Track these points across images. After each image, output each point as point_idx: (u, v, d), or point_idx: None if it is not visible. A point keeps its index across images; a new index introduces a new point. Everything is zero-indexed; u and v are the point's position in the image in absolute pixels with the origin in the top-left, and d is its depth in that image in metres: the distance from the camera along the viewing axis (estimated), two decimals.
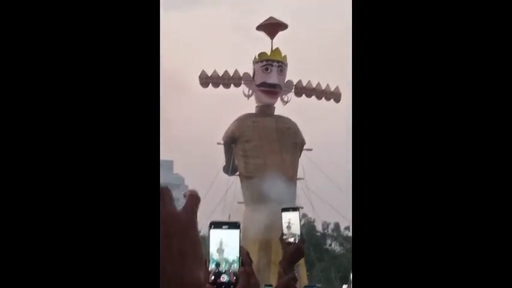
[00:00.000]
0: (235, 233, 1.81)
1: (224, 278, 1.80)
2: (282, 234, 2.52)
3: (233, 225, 1.82)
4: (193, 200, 1.39)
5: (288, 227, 2.53)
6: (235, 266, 1.80)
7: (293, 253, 2.50)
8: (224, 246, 1.81)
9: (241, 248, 1.81)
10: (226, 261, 1.81)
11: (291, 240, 2.52)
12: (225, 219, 20.00)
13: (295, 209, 2.57)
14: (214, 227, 1.82)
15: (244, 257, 1.81)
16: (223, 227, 1.83)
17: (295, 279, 2.55)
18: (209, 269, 1.80)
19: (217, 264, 1.81)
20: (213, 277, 1.80)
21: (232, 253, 1.81)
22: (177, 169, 67.37)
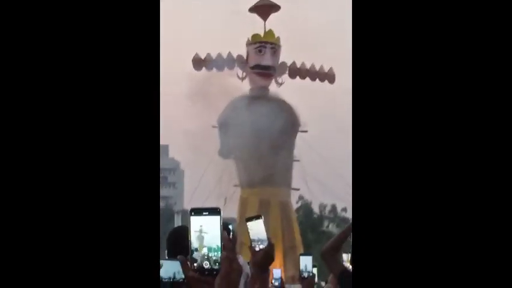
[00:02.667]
0: (216, 219, 1.81)
1: (207, 265, 1.80)
2: (250, 243, 2.60)
3: (213, 211, 1.81)
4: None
5: (255, 235, 2.62)
6: (217, 254, 1.80)
7: (262, 258, 2.59)
8: (204, 233, 1.81)
9: (221, 234, 1.81)
10: (209, 248, 1.81)
11: (260, 246, 2.61)
12: (221, 202, 20.06)
13: (258, 217, 2.66)
14: (195, 214, 1.81)
15: (226, 242, 1.81)
16: (204, 213, 1.82)
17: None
18: (192, 256, 1.80)
19: (196, 250, 1.81)
20: (195, 264, 1.80)
21: (214, 239, 1.81)
22: (172, 153, 67.66)
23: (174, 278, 2.77)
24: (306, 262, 4.32)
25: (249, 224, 2.64)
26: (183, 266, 1.94)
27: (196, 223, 1.82)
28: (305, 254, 4.61)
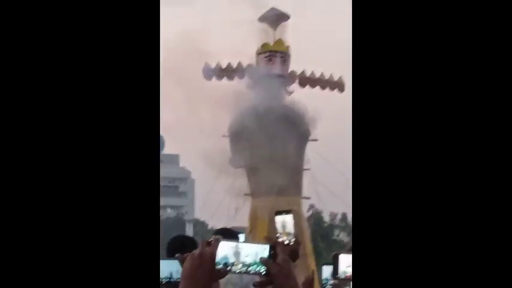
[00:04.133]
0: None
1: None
2: (277, 236, 2.56)
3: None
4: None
5: (282, 228, 2.58)
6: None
7: (288, 255, 2.56)
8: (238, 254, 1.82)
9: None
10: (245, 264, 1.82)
11: (286, 241, 2.56)
12: (231, 212, 19.96)
13: (288, 211, 2.63)
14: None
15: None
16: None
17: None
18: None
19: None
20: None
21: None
22: (183, 163, 67.42)
23: (171, 277, 2.76)
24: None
25: (278, 218, 2.60)
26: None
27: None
28: (328, 263, 4.54)
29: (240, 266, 1.80)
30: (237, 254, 1.81)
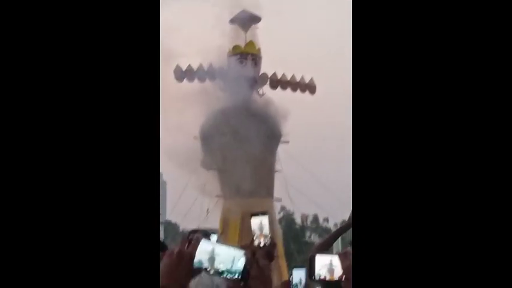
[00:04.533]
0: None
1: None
2: (252, 238, 2.56)
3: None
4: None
5: (259, 230, 2.58)
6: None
7: (263, 255, 2.55)
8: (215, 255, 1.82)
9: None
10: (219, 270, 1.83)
11: (262, 242, 2.57)
12: (203, 213, 19.88)
13: (264, 213, 2.63)
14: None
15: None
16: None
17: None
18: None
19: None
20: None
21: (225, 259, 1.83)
22: None
23: None
24: (299, 276, 4.23)
25: (254, 220, 2.59)
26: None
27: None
28: (298, 266, 4.51)
29: (213, 270, 1.82)
30: (211, 259, 1.83)
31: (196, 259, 1.82)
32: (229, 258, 1.83)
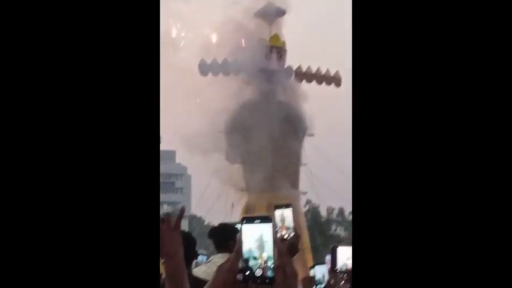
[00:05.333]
0: (268, 227, 1.78)
1: (259, 273, 1.76)
2: (276, 230, 2.54)
3: (265, 219, 1.80)
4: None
5: (282, 222, 2.57)
6: (270, 262, 1.77)
7: (288, 249, 2.54)
8: (257, 241, 1.79)
9: (275, 242, 1.78)
10: (260, 256, 1.78)
11: (285, 235, 2.55)
12: (228, 207, 19.97)
13: (287, 205, 2.61)
14: (246, 222, 1.80)
15: (280, 248, 1.78)
16: (256, 221, 1.80)
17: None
18: (241, 265, 1.78)
19: (249, 259, 1.78)
20: (247, 272, 1.76)
21: (266, 248, 1.78)
22: (179, 159, 67.36)
23: None
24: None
25: (277, 212, 2.58)
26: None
27: (249, 231, 1.80)
28: (319, 263, 4.51)
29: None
30: (261, 247, 1.79)
31: (245, 248, 1.78)
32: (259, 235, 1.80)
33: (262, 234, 1.78)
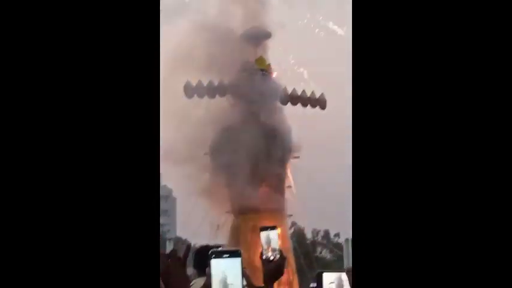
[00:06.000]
0: (237, 262, 1.78)
1: None
2: (262, 252, 2.55)
3: (234, 253, 1.79)
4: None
5: (267, 244, 2.57)
6: None
7: (273, 270, 2.53)
8: (226, 276, 1.78)
9: (243, 274, 1.79)
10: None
11: (271, 257, 2.55)
12: (213, 230, 19.90)
13: (273, 227, 2.62)
14: (216, 257, 1.80)
15: (249, 281, 1.81)
16: (224, 256, 1.80)
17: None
18: None
19: None
20: None
21: (236, 282, 1.78)
22: (165, 180, 67.06)
23: None
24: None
25: (263, 234, 2.58)
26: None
27: (218, 266, 1.79)
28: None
29: None
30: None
31: (214, 283, 1.80)
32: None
33: (231, 269, 1.77)
